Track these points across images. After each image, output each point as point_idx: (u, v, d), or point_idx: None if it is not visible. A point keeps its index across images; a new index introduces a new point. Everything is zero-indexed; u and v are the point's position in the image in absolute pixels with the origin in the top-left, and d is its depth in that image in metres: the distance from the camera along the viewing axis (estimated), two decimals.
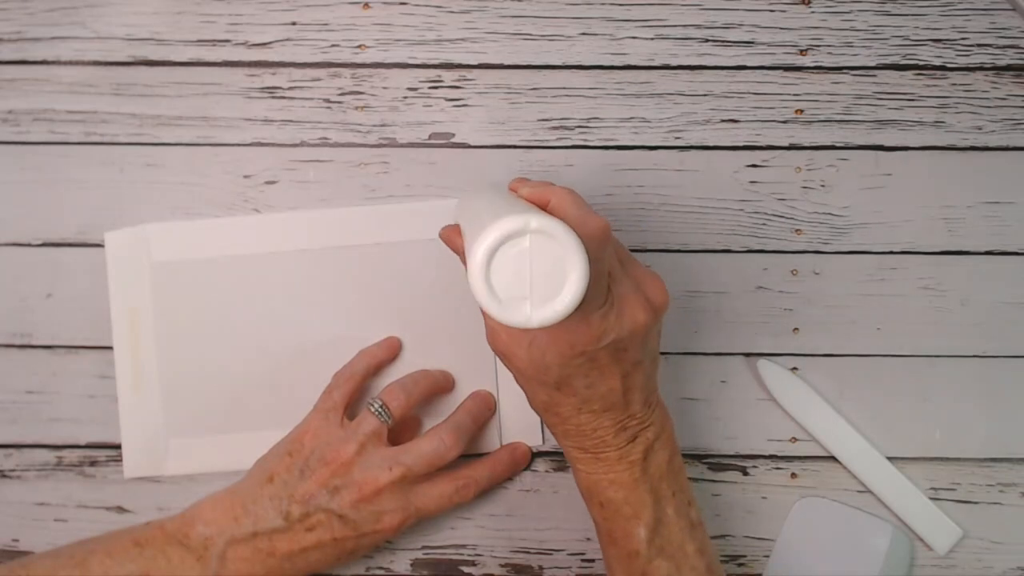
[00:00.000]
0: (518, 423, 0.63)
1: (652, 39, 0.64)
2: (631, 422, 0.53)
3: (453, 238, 0.55)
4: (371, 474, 0.57)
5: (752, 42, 0.63)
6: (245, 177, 0.64)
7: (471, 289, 0.44)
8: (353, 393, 0.61)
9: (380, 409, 0.59)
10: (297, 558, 0.57)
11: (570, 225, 0.45)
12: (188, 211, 0.64)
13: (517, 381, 0.54)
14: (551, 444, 0.64)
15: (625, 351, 0.51)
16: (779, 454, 0.64)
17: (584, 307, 0.49)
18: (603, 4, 0.64)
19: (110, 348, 0.64)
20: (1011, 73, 0.63)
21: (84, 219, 0.64)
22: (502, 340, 0.52)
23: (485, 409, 0.63)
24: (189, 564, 0.57)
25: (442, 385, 0.63)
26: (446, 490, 0.59)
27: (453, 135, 0.64)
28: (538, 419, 0.62)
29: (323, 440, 0.58)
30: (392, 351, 0.63)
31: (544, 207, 0.50)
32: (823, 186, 0.64)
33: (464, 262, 0.52)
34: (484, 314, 0.53)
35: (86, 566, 0.57)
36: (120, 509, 0.64)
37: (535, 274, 0.44)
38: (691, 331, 0.64)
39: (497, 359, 0.63)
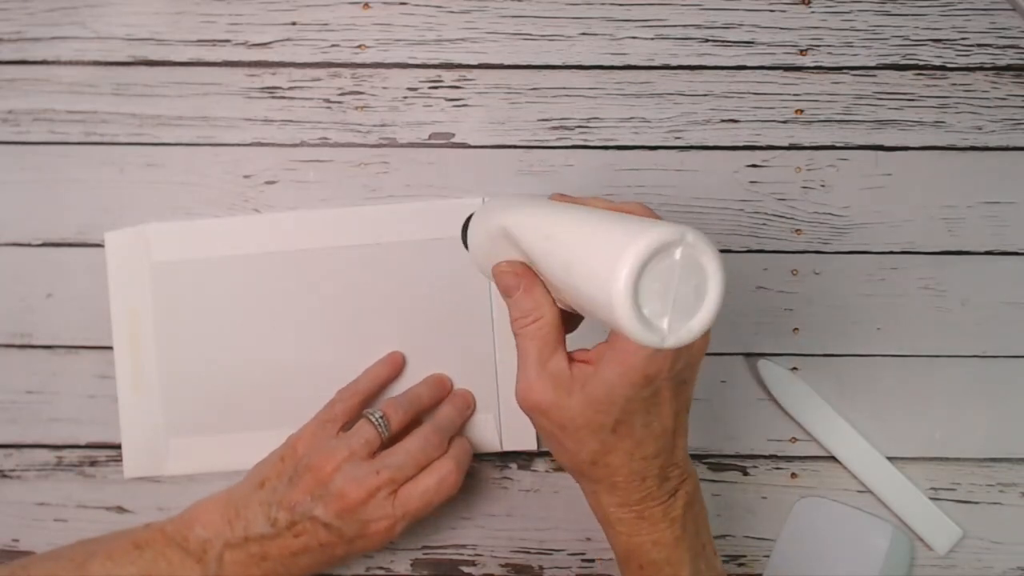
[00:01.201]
0: (518, 423, 0.63)
1: (652, 39, 0.64)
2: (673, 471, 0.51)
3: (508, 276, 0.51)
4: (355, 484, 0.56)
5: (752, 42, 0.63)
6: (245, 177, 0.64)
7: (611, 306, 0.40)
8: (355, 409, 0.61)
9: (380, 420, 0.59)
10: (289, 562, 0.57)
11: None
12: (188, 211, 0.64)
13: (553, 444, 0.51)
14: None
15: (685, 383, 0.49)
16: (779, 454, 0.64)
17: None
18: (603, 4, 0.64)
19: (110, 348, 0.64)
20: (1011, 73, 0.63)
21: (84, 219, 0.64)
22: (539, 392, 0.49)
23: (465, 408, 0.63)
24: (189, 566, 0.57)
25: (439, 401, 0.63)
26: (429, 485, 0.58)
27: (453, 135, 0.64)
28: None
29: (314, 448, 0.58)
30: (396, 368, 0.63)
31: None
32: (823, 186, 0.64)
33: (505, 291, 0.49)
34: (522, 364, 0.50)
35: (86, 568, 0.57)
36: (120, 509, 0.64)
37: (680, 291, 0.41)
38: None
39: (497, 361, 0.63)
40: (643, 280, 0.40)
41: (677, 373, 0.48)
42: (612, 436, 0.49)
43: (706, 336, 0.48)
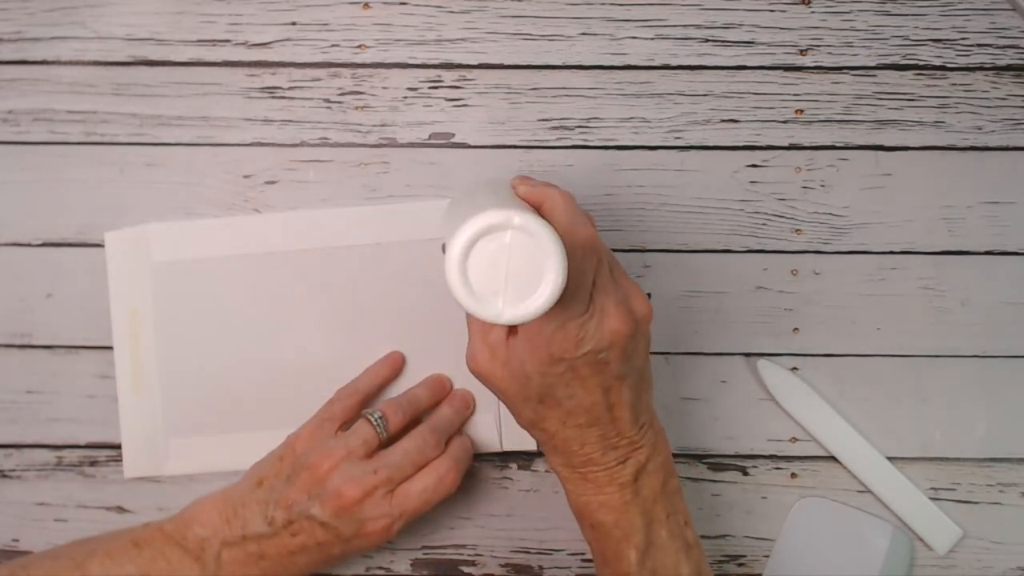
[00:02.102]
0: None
1: (652, 39, 0.64)
2: (620, 441, 0.53)
3: None
4: (352, 483, 0.56)
5: (752, 42, 0.63)
6: (245, 177, 0.64)
7: (446, 280, 0.45)
8: (354, 408, 0.61)
9: (379, 420, 0.59)
10: (286, 561, 0.57)
11: (558, 229, 0.45)
12: (188, 211, 0.64)
13: (503, 403, 0.54)
14: None
15: (606, 363, 0.51)
16: (779, 454, 0.64)
17: (563, 314, 0.49)
18: (603, 4, 0.64)
19: (110, 348, 0.64)
20: (1011, 73, 0.63)
21: (84, 219, 0.64)
22: (480, 360, 0.53)
23: (464, 408, 0.63)
24: (188, 565, 0.57)
25: (438, 402, 0.63)
26: (427, 483, 0.58)
27: (453, 135, 0.64)
28: None
29: (312, 447, 0.58)
30: (396, 368, 0.63)
31: (539, 209, 0.50)
32: (823, 186, 0.64)
33: None
34: (469, 333, 0.53)
35: (86, 567, 0.57)
36: (120, 509, 0.64)
37: (512, 271, 0.45)
38: (691, 331, 0.64)
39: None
40: (470, 258, 0.45)
41: (590, 353, 0.50)
42: (540, 406, 0.52)
43: (620, 318, 0.50)
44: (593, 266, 0.50)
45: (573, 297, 0.49)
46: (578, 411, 0.52)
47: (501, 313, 0.45)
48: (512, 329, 0.52)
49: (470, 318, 0.53)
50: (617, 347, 0.51)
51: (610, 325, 0.50)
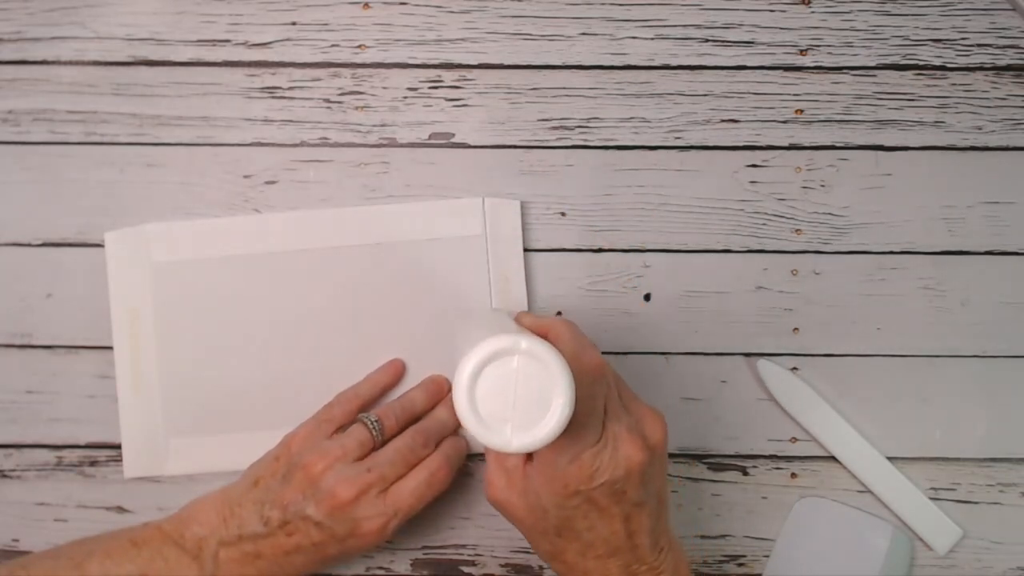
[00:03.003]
0: None
1: (652, 39, 0.64)
2: (640, 568, 0.51)
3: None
4: (345, 482, 0.56)
5: (752, 42, 0.63)
6: (245, 177, 0.64)
7: (455, 407, 0.44)
8: (353, 413, 0.61)
9: (375, 424, 0.59)
10: (283, 561, 0.57)
11: (564, 356, 0.45)
12: (188, 211, 0.64)
13: (521, 533, 0.53)
14: None
15: (624, 492, 0.50)
16: (779, 454, 0.64)
17: (576, 445, 0.48)
18: (603, 4, 0.64)
19: (110, 348, 0.64)
20: (1011, 73, 0.63)
21: (84, 219, 0.64)
22: (497, 490, 0.52)
23: None
24: (186, 564, 0.57)
25: (434, 404, 0.63)
26: (421, 480, 0.58)
27: (453, 135, 0.64)
28: None
29: (308, 447, 0.58)
30: (397, 376, 0.63)
31: (544, 338, 0.50)
32: (823, 186, 0.64)
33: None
34: (487, 459, 0.53)
35: (85, 567, 0.57)
36: (120, 509, 0.64)
37: (520, 397, 0.44)
38: (691, 331, 0.64)
39: None
40: (479, 385, 0.44)
41: (606, 484, 0.49)
42: (559, 539, 0.51)
43: (635, 445, 0.49)
44: (603, 393, 0.50)
45: (585, 426, 0.48)
46: (597, 542, 0.51)
47: (510, 441, 0.44)
48: (529, 455, 0.51)
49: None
50: (634, 475, 0.50)
51: (625, 453, 0.49)
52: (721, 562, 0.64)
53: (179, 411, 0.64)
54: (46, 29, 0.64)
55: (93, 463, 0.64)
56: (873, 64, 0.63)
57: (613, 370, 0.52)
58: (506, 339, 0.44)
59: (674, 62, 0.64)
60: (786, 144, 0.64)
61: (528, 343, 0.44)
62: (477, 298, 0.63)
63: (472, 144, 0.64)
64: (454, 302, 0.63)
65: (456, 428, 0.62)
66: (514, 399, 0.44)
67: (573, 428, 0.45)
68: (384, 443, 0.59)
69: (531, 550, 0.64)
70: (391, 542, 0.63)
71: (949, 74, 0.63)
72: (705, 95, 0.64)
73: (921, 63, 0.63)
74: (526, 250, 0.63)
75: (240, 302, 0.63)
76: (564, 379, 0.44)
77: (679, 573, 0.53)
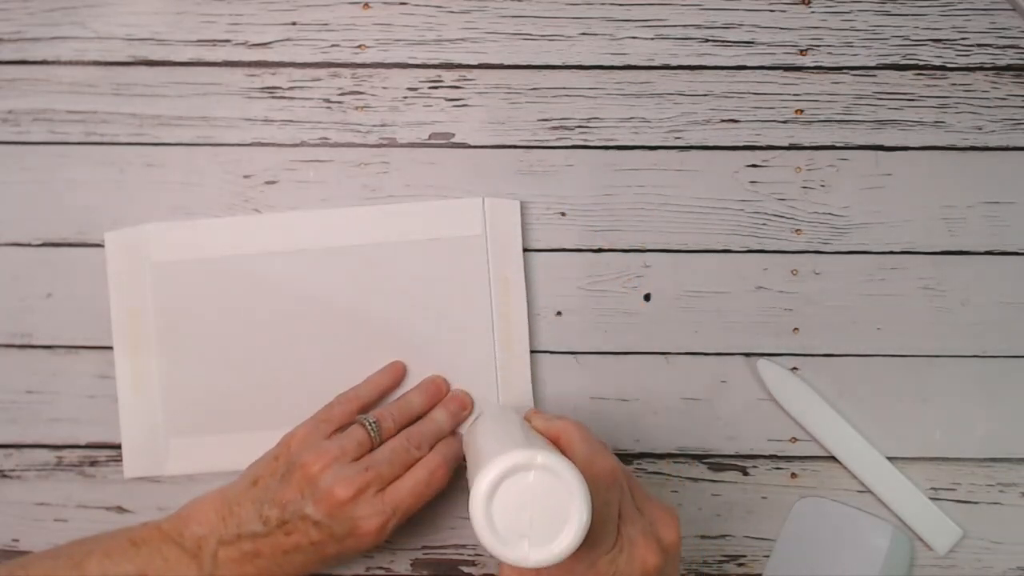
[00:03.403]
0: None
1: (652, 39, 0.64)
2: None
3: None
4: (343, 482, 0.56)
5: (752, 42, 0.63)
6: (245, 177, 0.64)
7: (472, 523, 0.44)
8: (352, 414, 0.61)
9: (373, 425, 0.59)
10: (282, 560, 0.57)
11: (577, 463, 0.45)
12: (188, 211, 0.64)
13: None
14: None
15: None
16: (779, 454, 0.64)
17: (592, 551, 0.48)
18: (603, 4, 0.64)
19: (110, 348, 0.64)
20: (1011, 73, 0.63)
21: (84, 219, 0.64)
22: None
23: (460, 410, 0.63)
24: (185, 563, 0.57)
25: (433, 405, 0.62)
26: (419, 479, 0.58)
27: (453, 135, 0.64)
28: None
29: (307, 446, 0.58)
30: (397, 378, 0.63)
31: (556, 443, 0.50)
32: (823, 186, 0.64)
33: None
34: (501, 569, 0.51)
35: (84, 566, 0.57)
36: (120, 509, 0.64)
37: (537, 512, 0.44)
38: (691, 331, 0.64)
39: (497, 361, 0.63)
40: (495, 500, 0.44)
41: None
42: None
43: (649, 549, 0.49)
44: (617, 497, 0.49)
45: (600, 532, 0.48)
46: None
47: (527, 556, 0.44)
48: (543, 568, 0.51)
49: None
50: None
51: (640, 556, 0.49)
52: (721, 562, 0.64)
53: (179, 411, 0.64)
54: (46, 29, 0.64)
55: (93, 463, 0.64)
56: (873, 64, 0.63)
57: (625, 469, 0.52)
58: (522, 454, 0.44)
59: (674, 62, 0.64)
60: (786, 144, 0.64)
61: (544, 457, 0.44)
62: (477, 298, 0.63)
63: (472, 144, 0.64)
64: (454, 302, 0.63)
65: (452, 429, 0.62)
66: (531, 514, 0.44)
67: (589, 536, 0.45)
68: (382, 444, 0.59)
69: None
70: (391, 542, 0.63)
71: (949, 74, 0.63)
72: (705, 95, 0.64)
73: (921, 63, 0.63)
74: (526, 250, 0.64)
75: (240, 302, 0.63)
76: (581, 493, 0.44)
77: None
